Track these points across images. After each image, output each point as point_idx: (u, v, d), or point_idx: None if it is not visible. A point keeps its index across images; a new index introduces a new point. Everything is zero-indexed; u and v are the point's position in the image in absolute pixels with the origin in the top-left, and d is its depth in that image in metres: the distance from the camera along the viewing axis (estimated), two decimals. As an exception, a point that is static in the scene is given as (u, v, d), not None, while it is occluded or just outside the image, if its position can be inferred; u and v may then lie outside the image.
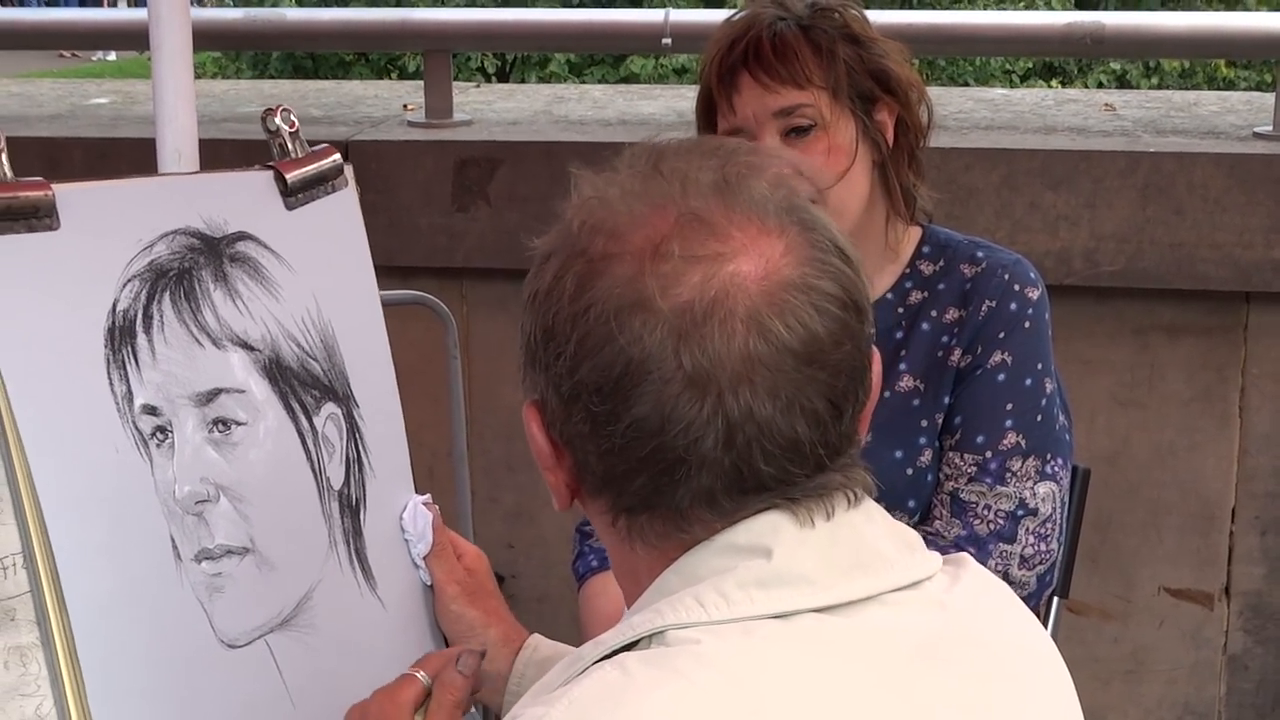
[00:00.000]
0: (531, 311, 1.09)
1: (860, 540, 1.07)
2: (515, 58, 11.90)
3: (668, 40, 3.54)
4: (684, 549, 1.06)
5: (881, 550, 1.08)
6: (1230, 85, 11.03)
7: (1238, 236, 3.10)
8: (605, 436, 1.04)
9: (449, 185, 3.32)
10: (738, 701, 0.97)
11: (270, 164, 1.51)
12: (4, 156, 1.28)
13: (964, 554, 1.18)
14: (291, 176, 1.51)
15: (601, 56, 11.49)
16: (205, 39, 3.63)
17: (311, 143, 1.57)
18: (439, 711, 1.34)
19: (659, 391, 1.01)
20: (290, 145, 1.53)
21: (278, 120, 1.54)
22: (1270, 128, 3.33)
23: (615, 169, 1.10)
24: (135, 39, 3.89)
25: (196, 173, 1.47)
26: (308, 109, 3.88)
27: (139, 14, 3.30)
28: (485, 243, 3.28)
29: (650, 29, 3.61)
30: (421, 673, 1.35)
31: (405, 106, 3.84)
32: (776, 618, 1.02)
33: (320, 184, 1.54)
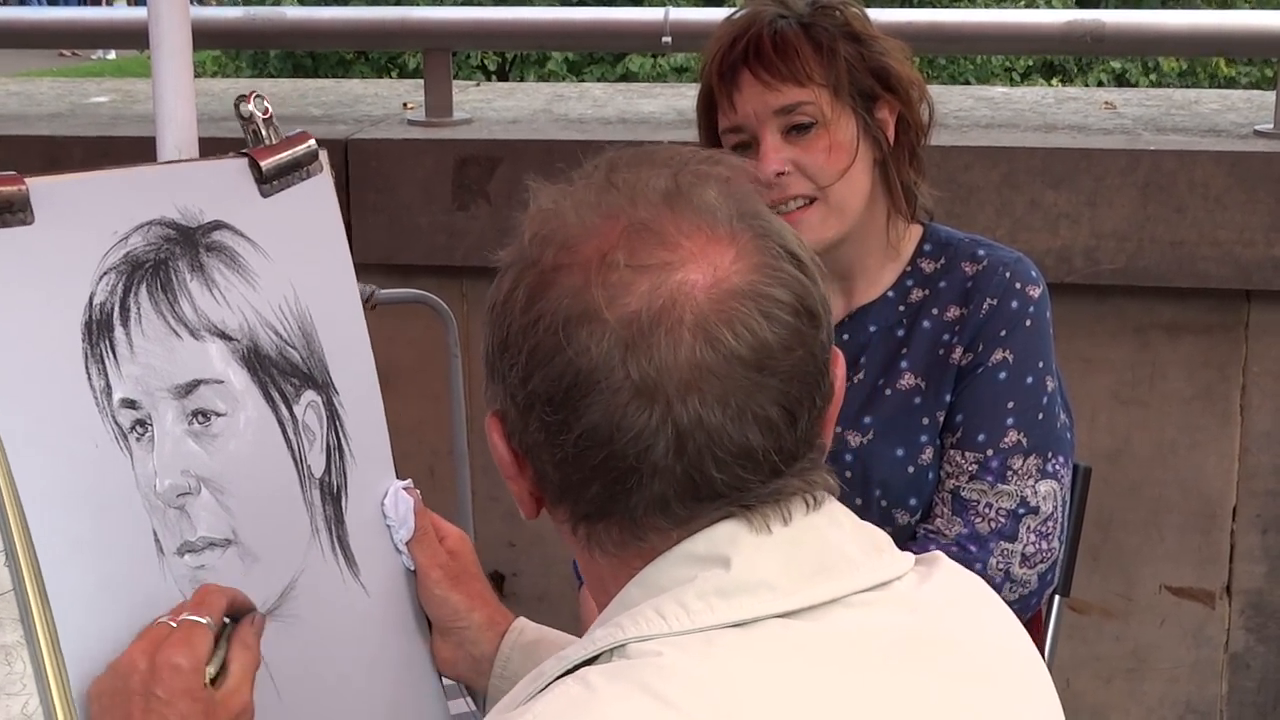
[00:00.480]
0: (489, 323, 1.10)
1: (824, 543, 1.07)
2: (515, 56, 11.90)
3: (668, 39, 3.54)
4: (644, 559, 1.06)
5: (846, 553, 1.07)
6: (1231, 82, 11.02)
7: (1238, 234, 3.10)
8: (559, 445, 1.05)
9: (449, 184, 3.32)
10: (701, 712, 0.97)
11: (244, 151, 1.50)
12: None
13: (937, 553, 1.17)
14: (266, 163, 1.49)
15: (600, 55, 11.49)
16: (205, 37, 3.63)
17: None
18: (245, 677, 1.24)
19: (608, 401, 1.02)
20: (264, 132, 1.52)
21: (250, 106, 1.52)
22: (1271, 125, 3.33)
23: (571, 180, 1.10)
24: (135, 38, 3.89)
25: (170, 162, 1.46)
26: (307, 108, 3.88)
27: (139, 13, 3.29)
28: (485, 241, 3.28)
29: (650, 27, 3.61)
30: (207, 618, 1.24)
31: (405, 105, 3.84)
32: (738, 625, 1.01)
33: (295, 170, 1.52)
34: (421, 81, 3.73)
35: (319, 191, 1.55)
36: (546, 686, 1.01)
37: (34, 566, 1.22)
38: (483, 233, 3.29)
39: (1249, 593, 3.32)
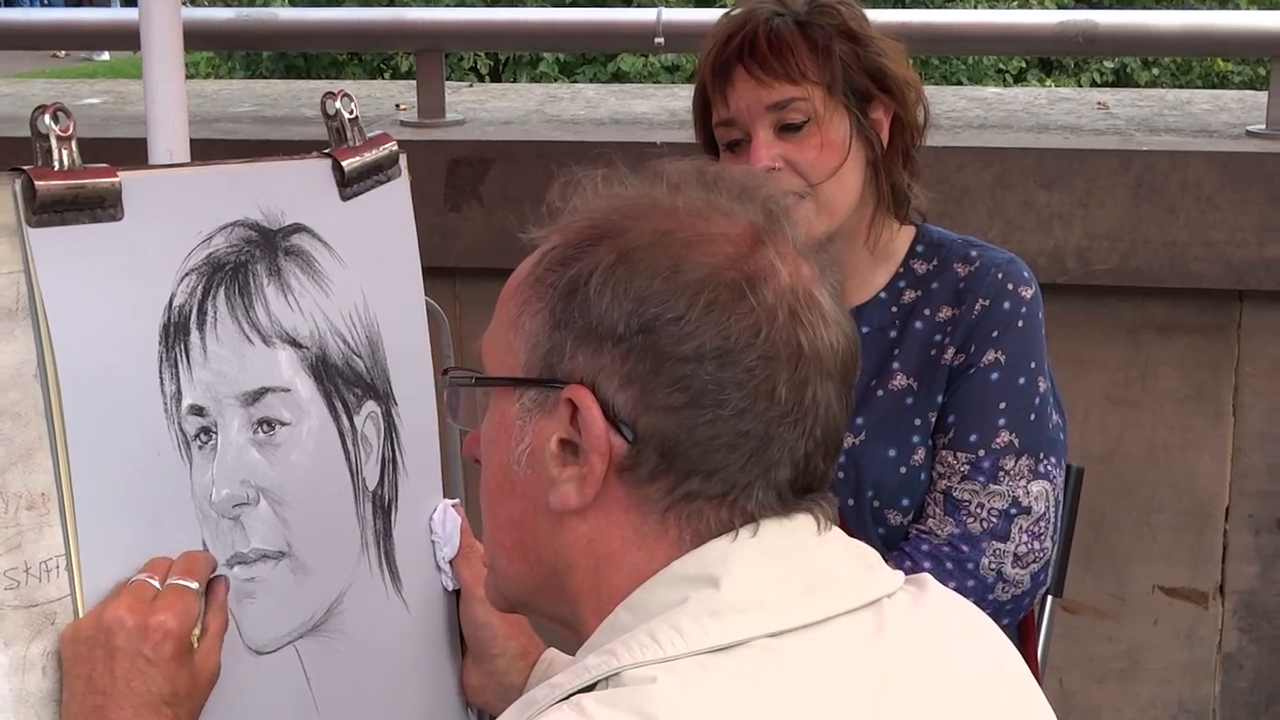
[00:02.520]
0: (582, 294, 1.05)
1: (812, 561, 1.06)
2: (508, 58, 11.89)
3: (660, 40, 3.54)
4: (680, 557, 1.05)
5: (836, 571, 1.07)
6: (1224, 80, 11.04)
7: (1230, 235, 3.10)
8: (708, 407, 1.03)
9: (441, 185, 3.31)
10: None
11: (327, 151, 1.46)
12: (74, 143, 1.25)
13: (925, 575, 1.16)
14: (348, 165, 1.45)
15: (592, 55, 11.47)
16: (197, 39, 3.62)
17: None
18: (218, 640, 1.23)
19: (775, 367, 1.03)
20: (349, 132, 1.48)
21: (338, 104, 1.47)
22: (1263, 126, 3.34)
23: (623, 183, 1.11)
24: (127, 39, 3.88)
25: (257, 160, 1.43)
26: (300, 109, 3.88)
27: (130, 14, 3.29)
28: (478, 242, 3.28)
29: (643, 28, 3.61)
30: (195, 583, 1.22)
31: (398, 106, 3.84)
32: (731, 647, 1.00)
33: (376, 173, 1.49)
34: (414, 83, 3.73)
35: (395, 196, 1.52)
36: (540, 715, 1.00)
37: (81, 572, 1.20)
38: (476, 234, 3.29)
39: (1242, 593, 3.32)
